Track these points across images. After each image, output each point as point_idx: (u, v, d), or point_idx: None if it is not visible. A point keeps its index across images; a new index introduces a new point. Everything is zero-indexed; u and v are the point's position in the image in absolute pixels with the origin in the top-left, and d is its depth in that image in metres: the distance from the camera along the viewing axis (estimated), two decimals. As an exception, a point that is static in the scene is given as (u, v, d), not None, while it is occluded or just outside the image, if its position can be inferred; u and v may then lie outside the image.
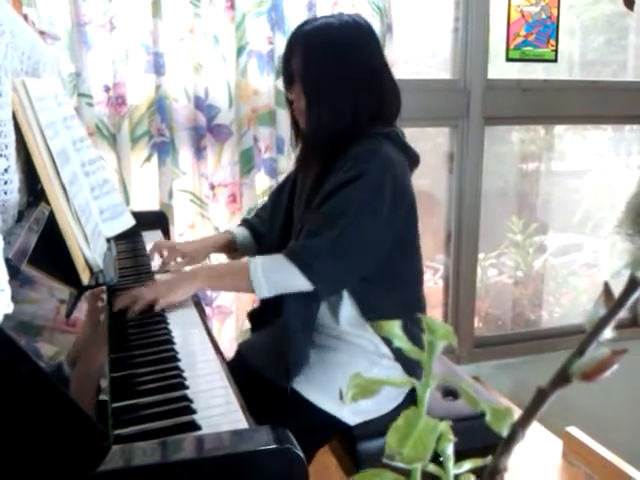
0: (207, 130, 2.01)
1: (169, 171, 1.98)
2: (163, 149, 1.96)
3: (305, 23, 1.42)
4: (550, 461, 2.10)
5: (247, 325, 2.09)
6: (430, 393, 0.35)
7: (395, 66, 2.06)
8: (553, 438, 2.18)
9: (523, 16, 2.42)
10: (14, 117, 0.95)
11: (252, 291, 1.32)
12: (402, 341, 0.36)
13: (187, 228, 2.07)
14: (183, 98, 1.98)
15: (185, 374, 0.98)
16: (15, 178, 0.89)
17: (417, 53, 2.55)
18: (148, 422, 0.82)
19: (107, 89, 1.91)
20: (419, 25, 2.47)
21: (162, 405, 0.87)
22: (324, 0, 2.06)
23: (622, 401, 2.53)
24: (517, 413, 0.31)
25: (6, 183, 0.87)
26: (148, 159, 2.00)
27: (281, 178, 1.92)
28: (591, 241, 2.94)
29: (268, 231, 1.58)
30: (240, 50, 1.99)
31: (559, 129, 2.84)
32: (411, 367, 1.38)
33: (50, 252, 0.99)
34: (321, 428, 1.37)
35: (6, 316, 0.62)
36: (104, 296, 1.22)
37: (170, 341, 1.11)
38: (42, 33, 1.51)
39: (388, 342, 1.38)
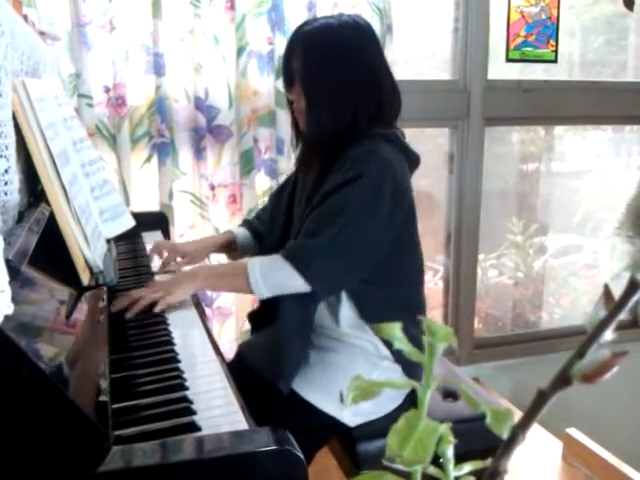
0: (207, 131, 2.01)
1: (169, 172, 1.98)
2: (163, 150, 1.96)
3: (305, 24, 1.42)
4: (550, 462, 2.10)
5: (247, 326, 2.09)
6: (430, 395, 0.35)
7: (395, 67, 2.06)
8: (553, 439, 2.18)
9: (523, 17, 2.42)
10: (14, 118, 0.95)
11: (251, 292, 1.32)
12: (402, 343, 0.36)
13: (187, 229, 2.07)
14: (183, 99, 1.98)
15: (185, 375, 0.98)
16: (15, 179, 0.89)
17: (417, 54, 2.56)
18: (148, 423, 0.82)
19: (107, 90, 1.91)
20: (419, 26, 2.47)
21: (162, 406, 0.87)
22: (324, 1, 2.06)
23: (622, 403, 2.53)
24: (517, 414, 0.31)
25: (6, 184, 0.87)
26: (148, 160, 2.00)
27: (281, 179, 1.93)
28: (591, 242, 2.94)
29: (269, 232, 1.58)
30: (240, 51, 1.99)
31: (559, 130, 2.84)
32: (411, 369, 1.38)
33: (50, 253, 0.99)
34: (321, 429, 1.37)
35: (6, 317, 0.62)
36: (104, 297, 1.22)
37: (170, 342, 1.11)
38: (42, 34, 1.51)
39: (388, 344, 1.38)
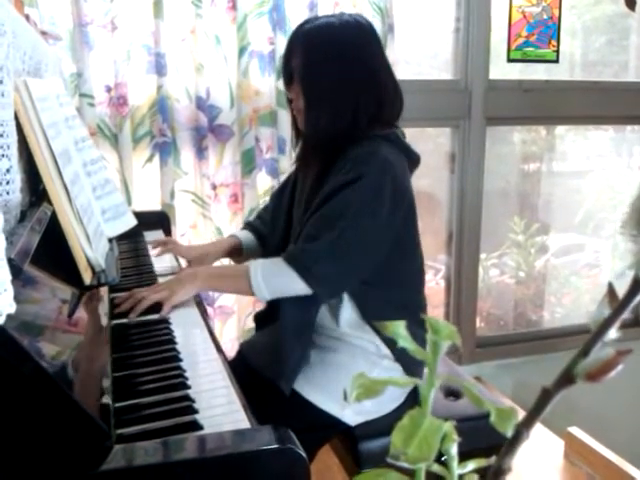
0: (209, 130, 2.01)
1: (171, 171, 1.98)
2: (165, 149, 1.96)
3: (306, 22, 1.42)
4: (552, 461, 2.10)
5: (249, 325, 2.10)
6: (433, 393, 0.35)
7: (396, 67, 2.06)
8: (555, 438, 2.18)
9: (524, 17, 2.42)
10: (16, 117, 0.95)
11: (252, 294, 1.33)
12: (407, 341, 0.36)
13: (189, 228, 2.07)
14: (185, 98, 1.98)
15: (187, 374, 0.98)
16: (17, 178, 0.89)
17: (418, 53, 2.55)
18: (150, 422, 0.82)
19: (109, 89, 1.91)
20: (420, 25, 2.47)
21: (164, 405, 0.87)
22: (325, 1, 2.06)
23: (624, 401, 2.53)
24: (519, 413, 0.31)
25: (8, 183, 0.87)
26: (150, 159, 2.00)
27: (282, 178, 1.93)
28: (592, 241, 2.94)
29: (270, 233, 1.58)
30: (242, 50, 1.99)
31: (560, 129, 2.83)
32: (412, 368, 1.38)
33: (52, 252, 0.99)
34: (322, 428, 1.37)
35: (9, 316, 0.62)
36: (106, 296, 1.22)
37: (172, 341, 1.11)
38: (44, 33, 1.51)
39: (389, 343, 1.38)
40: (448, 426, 0.33)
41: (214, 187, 2.07)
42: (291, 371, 1.35)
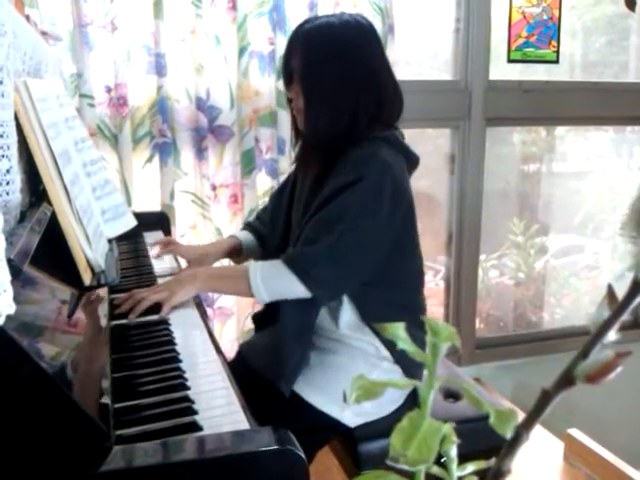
0: (208, 131, 2.01)
1: (170, 172, 1.98)
2: (165, 150, 1.96)
3: (306, 22, 1.41)
4: (551, 463, 2.10)
5: (248, 326, 2.09)
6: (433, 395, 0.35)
7: (396, 67, 2.06)
8: (554, 440, 2.18)
9: (524, 17, 2.42)
10: (16, 118, 0.95)
11: (252, 295, 1.32)
12: (406, 343, 0.36)
13: (188, 229, 2.07)
14: (185, 99, 1.98)
15: (186, 375, 0.98)
16: (17, 179, 0.89)
17: (418, 54, 2.55)
18: (149, 423, 0.82)
19: (109, 90, 1.91)
20: (420, 26, 2.47)
21: (163, 406, 0.87)
22: (326, 1, 2.06)
23: (623, 403, 2.53)
24: (519, 415, 0.31)
25: (8, 184, 0.87)
26: (150, 160, 2.00)
27: (282, 179, 1.92)
28: (592, 243, 2.94)
29: (270, 233, 1.58)
30: (242, 51, 1.99)
31: (560, 130, 2.84)
32: (411, 370, 1.38)
33: (52, 253, 0.99)
34: (321, 429, 1.37)
35: (8, 317, 0.62)
36: (106, 297, 1.22)
37: (171, 342, 1.11)
38: (44, 34, 1.51)
39: (388, 345, 1.38)
40: (447, 428, 0.33)
41: (214, 188, 2.07)
42: (291, 373, 1.35)
